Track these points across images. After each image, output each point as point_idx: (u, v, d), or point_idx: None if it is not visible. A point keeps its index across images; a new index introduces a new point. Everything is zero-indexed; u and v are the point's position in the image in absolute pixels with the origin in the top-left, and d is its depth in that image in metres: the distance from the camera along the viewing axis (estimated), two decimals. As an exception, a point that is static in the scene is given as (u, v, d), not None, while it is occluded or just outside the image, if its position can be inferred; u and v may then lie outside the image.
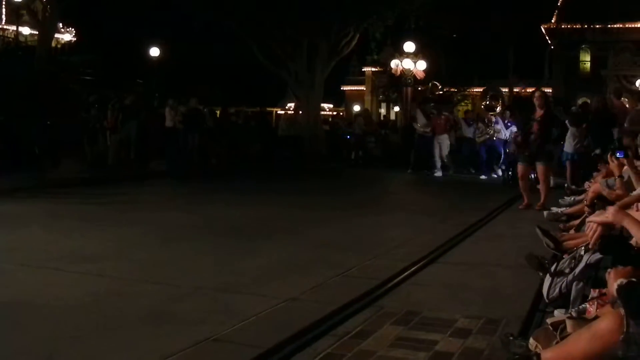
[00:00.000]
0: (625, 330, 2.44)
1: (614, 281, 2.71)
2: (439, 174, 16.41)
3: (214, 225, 8.04)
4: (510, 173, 13.92)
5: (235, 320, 3.94)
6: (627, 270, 2.76)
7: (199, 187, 13.19)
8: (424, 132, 17.27)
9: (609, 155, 6.21)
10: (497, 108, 15.62)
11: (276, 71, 23.97)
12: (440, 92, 30.31)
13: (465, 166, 17.54)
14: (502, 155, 15.63)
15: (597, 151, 9.59)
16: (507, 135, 15.30)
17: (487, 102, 16.09)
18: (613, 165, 6.05)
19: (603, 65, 38.10)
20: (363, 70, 45.21)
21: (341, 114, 43.38)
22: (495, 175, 15.88)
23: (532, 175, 10.23)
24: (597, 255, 3.60)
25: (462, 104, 37.05)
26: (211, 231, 7.58)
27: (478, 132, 16.65)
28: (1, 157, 13.03)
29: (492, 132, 15.93)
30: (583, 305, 3.35)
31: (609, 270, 2.92)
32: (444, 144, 16.77)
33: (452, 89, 35.31)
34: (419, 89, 25.55)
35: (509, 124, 15.41)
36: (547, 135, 9.45)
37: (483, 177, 16.04)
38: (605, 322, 2.61)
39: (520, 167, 9.69)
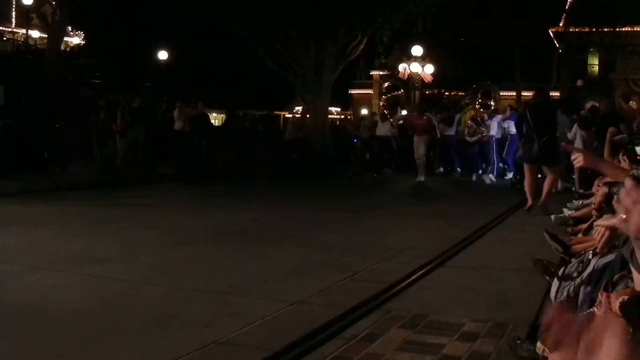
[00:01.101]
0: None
1: (615, 299, 2.70)
2: (421, 178, 15.80)
3: (221, 228, 8.06)
4: (518, 177, 13.80)
5: (243, 323, 3.95)
6: (629, 291, 2.74)
7: (206, 190, 13.22)
8: (386, 134, 17.27)
9: (620, 155, 6.18)
10: (490, 102, 15.53)
11: (283, 74, 23.95)
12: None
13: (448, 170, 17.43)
14: (496, 156, 15.42)
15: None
16: (497, 131, 15.13)
17: (480, 100, 16.04)
18: (625, 164, 6.02)
19: (611, 68, 37.96)
20: (371, 73, 45.22)
21: (349, 117, 43.36)
22: (485, 175, 15.57)
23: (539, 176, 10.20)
24: (605, 259, 3.58)
25: (469, 107, 36.99)
26: (218, 234, 7.59)
27: (469, 131, 16.37)
28: (10, 160, 13.08)
29: (484, 130, 15.72)
30: (591, 309, 3.33)
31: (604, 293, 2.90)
32: (420, 146, 15.99)
33: (460, 93, 35.28)
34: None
35: (502, 121, 15.15)
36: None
37: (474, 177, 15.86)
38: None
39: (526, 168, 9.73)
